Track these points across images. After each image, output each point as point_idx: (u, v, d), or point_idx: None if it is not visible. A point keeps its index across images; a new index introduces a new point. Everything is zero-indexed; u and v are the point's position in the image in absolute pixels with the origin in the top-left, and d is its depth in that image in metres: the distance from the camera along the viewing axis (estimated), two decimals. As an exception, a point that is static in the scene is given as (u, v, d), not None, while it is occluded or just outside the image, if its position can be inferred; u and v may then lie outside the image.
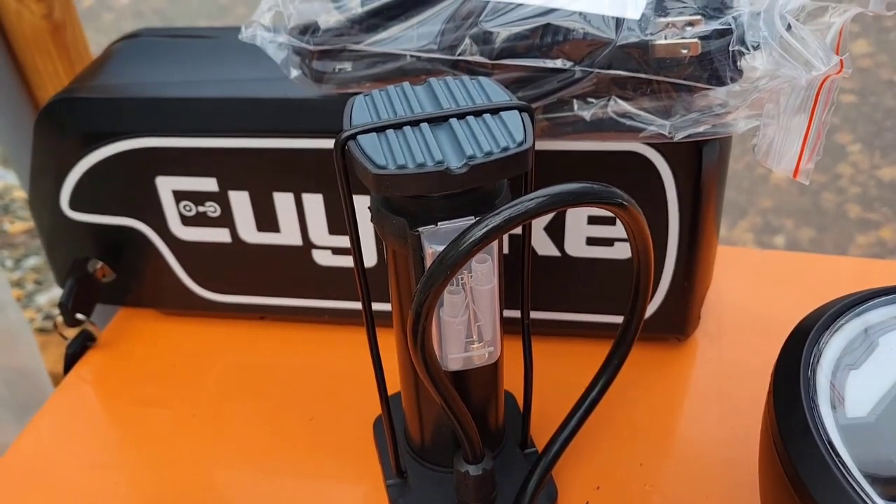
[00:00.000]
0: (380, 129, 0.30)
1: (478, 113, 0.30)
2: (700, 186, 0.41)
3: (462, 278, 0.31)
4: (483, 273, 0.31)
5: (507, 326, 0.35)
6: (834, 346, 0.33)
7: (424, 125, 0.30)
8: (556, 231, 0.44)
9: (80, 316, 0.49)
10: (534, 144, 0.30)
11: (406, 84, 0.33)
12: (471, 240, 0.28)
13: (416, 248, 0.30)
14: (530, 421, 0.40)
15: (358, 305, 0.48)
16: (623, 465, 0.41)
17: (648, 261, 0.34)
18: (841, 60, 0.30)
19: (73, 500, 0.42)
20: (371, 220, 0.33)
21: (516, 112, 0.30)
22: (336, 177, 0.31)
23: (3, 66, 0.68)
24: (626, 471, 0.41)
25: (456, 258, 0.28)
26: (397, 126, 0.30)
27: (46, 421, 0.47)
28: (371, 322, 0.35)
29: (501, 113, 0.30)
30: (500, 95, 0.31)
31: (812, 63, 0.30)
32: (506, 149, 0.29)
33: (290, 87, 0.41)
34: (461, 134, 0.29)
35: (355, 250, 0.33)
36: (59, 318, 0.49)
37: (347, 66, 0.38)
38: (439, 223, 0.30)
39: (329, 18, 0.37)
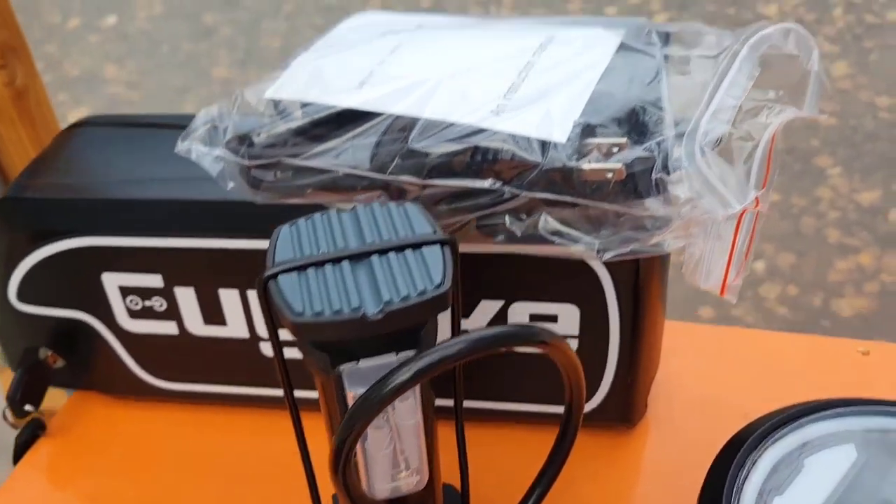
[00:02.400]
0: (301, 268, 0.30)
1: (400, 248, 0.31)
2: (639, 284, 0.41)
3: (386, 414, 0.31)
4: (406, 409, 0.31)
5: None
6: (761, 468, 0.33)
7: (345, 263, 0.30)
8: (501, 325, 0.44)
9: (28, 407, 0.49)
10: (458, 280, 0.30)
11: (332, 212, 0.33)
12: (390, 386, 0.28)
13: (338, 385, 0.30)
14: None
15: (304, 394, 0.48)
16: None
17: (577, 381, 0.34)
18: (756, 198, 0.30)
19: None
20: (298, 348, 0.33)
21: (438, 247, 0.31)
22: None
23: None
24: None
25: (376, 403, 0.28)
26: (318, 264, 0.30)
27: (6, 497, 0.47)
28: (302, 442, 0.35)
29: (423, 248, 0.31)
30: (424, 227, 0.32)
31: (727, 200, 0.30)
32: (423, 292, 0.29)
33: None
34: (380, 274, 0.30)
35: (288, 396, 0.34)
36: (6, 408, 0.49)
37: (286, 174, 0.38)
38: (360, 360, 0.30)
39: (264, 133, 0.37)
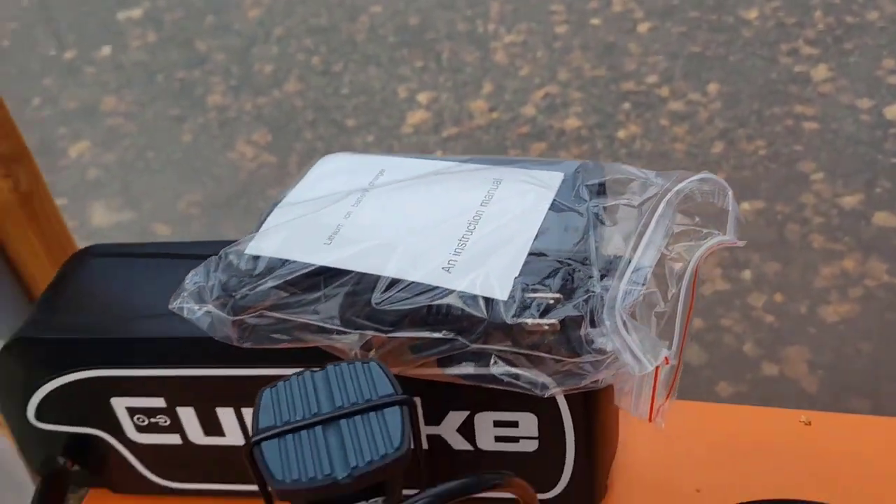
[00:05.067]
0: (280, 434, 0.35)
1: (364, 411, 0.36)
2: (588, 395, 0.46)
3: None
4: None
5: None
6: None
7: (318, 429, 0.35)
8: (468, 431, 0.49)
9: (53, 509, 0.54)
10: (418, 434, 0.35)
11: (307, 374, 0.38)
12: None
13: (317, 531, 0.36)
14: None
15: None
16: None
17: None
18: (666, 358, 0.36)
19: None
20: (282, 493, 0.38)
21: (397, 409, 0.36)
22: None
23: (-23, 237, 0.73)
24: None
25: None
26: (295, 430, 0.35)
27: None
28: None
29: (385, 409, 0.36)
30: (385, 387, 0.37)
31: (641, 360, 0.35)
32: (384, 456, 0.34)
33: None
34: (348, 439, 0.35)
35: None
36: (36, 511, 0.54)
37: (268, 325, 0.43)
38: (345, 508, 0.36)
39: (245, 290, 0.42)
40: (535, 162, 0.46)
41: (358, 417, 0.36)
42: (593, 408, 0.47)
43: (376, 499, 0.36)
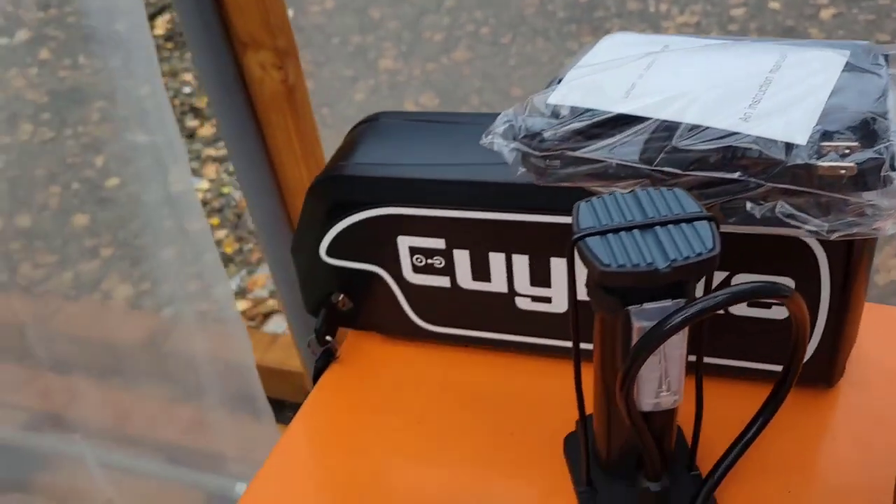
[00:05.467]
0: (602, 233, 0.41)
1: (675, 222, 0.41)
2: (850, 262, 0.49)
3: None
4: (676, 342, 0.41)
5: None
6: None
7: (636, 231, 0.40)
8: (721, 293, 0.53)
9: (328, 338, 0.62)
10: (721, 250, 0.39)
11: (617, 193, 0.43)
12: (672, 324, 0.38)
13: (625, 321, 0.41)
14: (697, 448, 0.50)
15: (548, 342, 0.60)
16: (774, 491, 0.50)
17: (804, 334, 0.43)
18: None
19: (332, 477, 0.55)
20: (588, 295, 0.43)
21: (706, 222, 0.40)
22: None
23: (248, 122, 0.83)
24: (777, 495, 0.50)
25: (660, 336, 0.39)
26: (615, 231, 0.41)
27: (307, 415, 0.61)
28: (578, 363, 0.46)
29: (695, 223, 0.40)
30: (692, 206, 0.41)
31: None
32: (700, 254, 0.39)
33: (502, 172, 0.52)
34: (664, 240, 0.40)
35: (574, 326, 0.44)
36: (313, 338, 0.63)
37: (565, 164, 0.48)
38: (644, 304, 0.41)
39: (551, 131, 0.48)
40: (818, 42, 0.49)
41: (671, 226, 0.40)
42: (852, 277, 0.50)
43: (679, 300, 0.40)
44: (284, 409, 1.46)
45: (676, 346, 0.42)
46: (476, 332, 0.61)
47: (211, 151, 2.45)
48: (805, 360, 0.53)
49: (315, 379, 0.63)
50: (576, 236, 0.41)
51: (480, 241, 0.56)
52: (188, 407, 1.36)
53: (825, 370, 0.54)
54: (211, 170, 2.42)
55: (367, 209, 0.57)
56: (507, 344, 0.60)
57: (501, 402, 0.59)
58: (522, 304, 0.58)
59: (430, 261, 0.58)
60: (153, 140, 1.23)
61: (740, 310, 0.53)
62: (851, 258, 0.49)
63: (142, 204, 1.30)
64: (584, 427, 0.49)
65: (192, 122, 2.70)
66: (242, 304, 2.04)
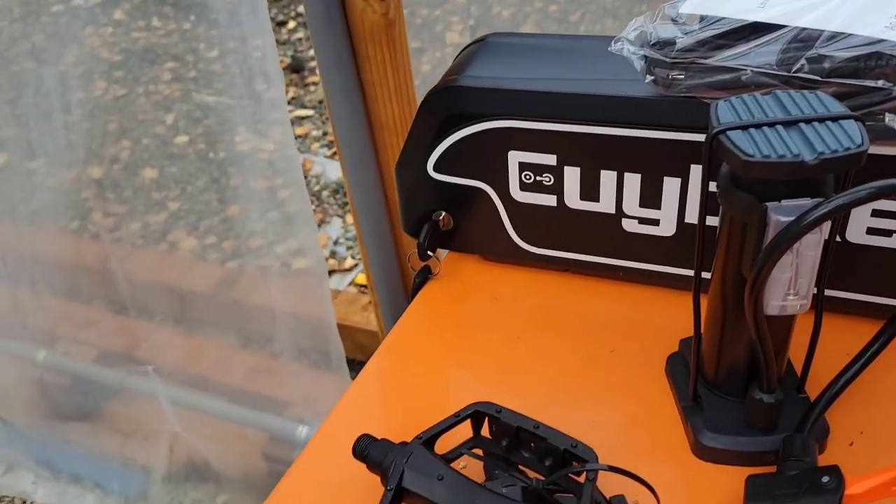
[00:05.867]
0: (744, 128, 0.40)
1: (820, 119, 0.40)
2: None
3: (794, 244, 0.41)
4: (812, 241, 0.41)
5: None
6: None
7: (779, 126, 0.40)
8: (841, 220, 0.52)
9: (430, 253, 0.63)
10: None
11: (756, 94, 0.43)
12: (813, 217, 0.38)
13: (761, 218, 0.41)
14: (809, 370, 0.49)
15: (651, 267, 0.59)
16: (884, 417, 0.50)
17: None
18: None
19: (427, 387, 0.56)
20: (718, 197, 0.43)
21: (852, 121, 0.40)
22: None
23: (345, 52, 0.84)
24: (886, 422, 0.49)
25: (799, 231, 0.38)
26: (757, 126, 0.40)
27: (407, 323, 0.61)
28: (698, 280, 0.46)
29: (841, 121, 0.40)
30: (837, 107, 0.41)
31: None
32: (848, 149, 0.38)
33: (620, 86, 0.52)
34: (810, 135, 0.39)
35: (701, 221, 0.44)
36: (414, 253, 0.63)
37: (692, 76, 0.48)
38: (782, 201, 0.40)
39: (684, 39, 0.47)
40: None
41: (816, 123, 0.40)
42: (983, 206, 0.49)
43: (818, 199, 0.40)
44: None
45: (811, 247, 0.41)
46: (578, 255, 0.61)
47: (277, 115, 2.48)
48: (923, 291, 0.52)
49: (413, 294, 0.64)
50: (716, 130, 0.41)
51: (593, 157, 0.56)
52: (258, 354, 1.39)
53: (942, 305, 0.53)
54: (277, 132, 2.45)
55: (481, 122, 0.57)
56: (609, 268, 0.60)
57: (601, 324, 0.59)
58: (629, 226, 0.58)
59: (538, 178, 0.58)
60: (221, 101, 1.27)
61: (860, 237, 0.52)
62: None
63: (209, 161, 1.35)
64: (698, 337, 0.48)
65: (260, 86, 2.74)
66: (302, 262, 2.07)
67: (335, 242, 2.07)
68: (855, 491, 0.41)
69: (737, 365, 0.49)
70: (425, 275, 0.65)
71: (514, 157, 0.58)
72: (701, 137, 0.50)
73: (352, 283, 1.96)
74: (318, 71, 0.88)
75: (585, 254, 0.61)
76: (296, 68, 2.70)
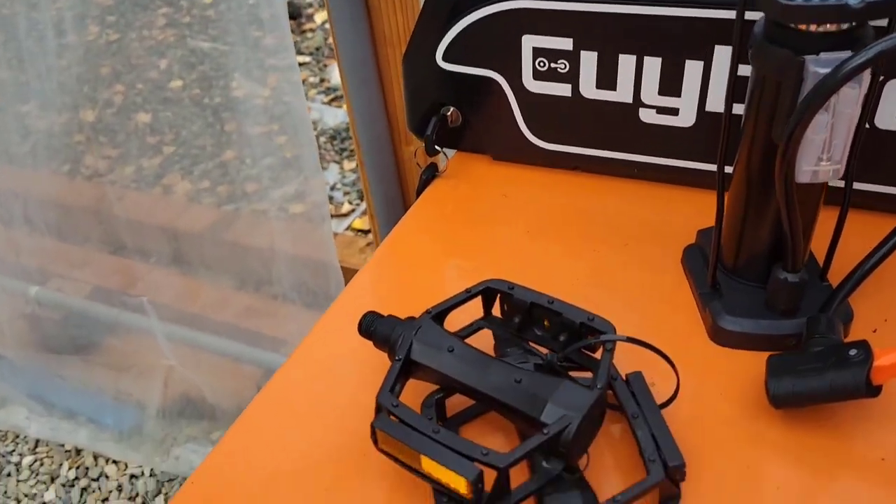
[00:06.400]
0: (782, -25, 0.38)
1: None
2: None
3: (831, 100, 0.39)
4: (850, 98, 0.39)
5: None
6: None
7: (819, -26, 0.38)
8: (871, 103, 0.50)
9: (437, 147, 0.61)
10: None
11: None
12: (853, 65, 0.36)
13: (797, 72, 0.38)
14: (833, 259, 0.47)
15: (666, 161, 0.57)
16: (909, 308, 0.48)
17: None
18: None
19: (438, 270, 0.54)
20: (749, 57, 0.41)
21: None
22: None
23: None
24: (912, 311, 0.48)
25: (838, 81, 0.36)
26: (796, -26, 0.38)
27: (413, 217, 0.59)
28: (725, 145, 0.44)
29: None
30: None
31: None
32: (893, -6, 0.36)
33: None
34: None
35: (730, 90, 0.42)
36: (421, 147, 0.61)
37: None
38: (820, 53, 0.38)
39: None
40: None
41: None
42: None
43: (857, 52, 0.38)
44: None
45: (849, 104, 0.39)
46: (592, 150, 0.59)
47: (273, 61, 2.44)
48: (953, 180, 0.50)
49: (420, 192, 0.62)
50: (750, -21, 0.38)
51: (611, 40, 0.53)
52: (255, 295, 1.38)
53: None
54: (273, 79, 2.41)
55: (494, 2, 0.55)
56: (623, 164, 0.58)
57: (614, 220, 0.57)
58: (647, 116, 0.56)
59: (553, 65, 0.56)
60: (216, 47, 1.24)
61: (891, 123, 0.50)
62: None
63: (203, 106, 1.33)
64: (720, 214, 0.46)
65: (256, 33, 2.69)
66: (299, 207, 2.04)
67: (332, 188, 2.04)
68: (885, 363, 0.39)
69: (759, 249, 0.47)
70: (432, 172, 0.62)
71: (529, 42, 0.55)
72: (728, 14, 0.48)
73: (349, 227, 1.94)
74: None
75: (600, 148, 0.58)
76: (293, 15, 2.65)
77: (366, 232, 1.95)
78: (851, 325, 0.46)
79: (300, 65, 2.47)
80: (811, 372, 0.41)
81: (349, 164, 2.11)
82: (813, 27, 0.38)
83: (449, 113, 0.61)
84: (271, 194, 1.34)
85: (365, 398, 0.42)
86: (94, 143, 1.42)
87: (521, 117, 0.59)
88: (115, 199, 1.45)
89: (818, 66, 0.38)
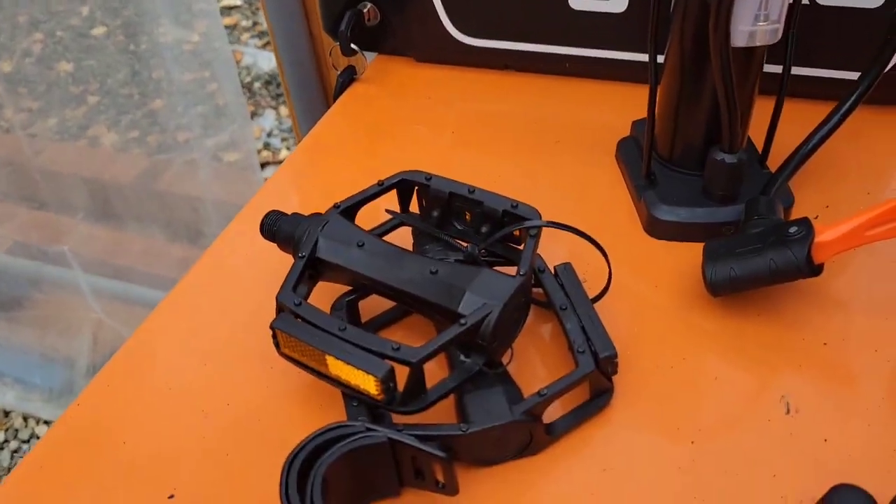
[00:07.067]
0: None
1: None
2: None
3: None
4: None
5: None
6: None
7: None
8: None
9: (353, 46, 0.56)
10: None
11: None
12: None
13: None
14: (772, 143, 0.44)
15: (600, 54, 0.53)
16: (848, 192, 0.45)
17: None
18: None
19: (354, 172, 0.49)
20: None
21: None
22: None
23: None
24: (852, 196, 0.45)
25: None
26: None
27: (329, 121, 0.55)
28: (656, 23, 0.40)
29: None
30: None
31: None
32: None
33: None
34: None
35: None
36: (336, 48, 0.56)
37: None
38: None
39: None
40: None
41: None
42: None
43: None
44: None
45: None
46: (520, 44, 0.54)
47: (202, 5, 2.33)
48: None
49: (336, 96, 0.57)
50: None
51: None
52: (187, 246, 1.33)
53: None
54: (202, 24, 2.30)
55: None
56: (554, 59, 0.54)
57: (545, 118, 0.53)
58: (577, 2, 0.51)
59: (475, -52, 0.51)
60: None
61: (831, -1, 0.47)
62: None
63: (129, 53, 1.26)
64: (653, 98, 0.42)
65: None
66: (234, 156, 1.97)
67: (269, 134, 1.97)
68: (826, 238, 0.37)
69: (695, 133, 0.43)
70: (350, 75, 0.57)
71: (447, -77, 0.51)
72: None
73: (287, 174, 1.87)
74: None
75: (529, 41, 0.54)
76: (223, -43, 2.52)
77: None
78: (792, 212, 0.44)
79: (231, 8, 2.36)
80: (750, 253, 0.38)
81: (286, 110, 2.04)
82: None
83: (367, 10, 0.56)
84: (204, 143, 1.29)
85: (273, 304, 0.37)
86: (12, 94, 1.34)
87: (443, 11, 0.55)
88: (34, 152, 1.38)
89: None
